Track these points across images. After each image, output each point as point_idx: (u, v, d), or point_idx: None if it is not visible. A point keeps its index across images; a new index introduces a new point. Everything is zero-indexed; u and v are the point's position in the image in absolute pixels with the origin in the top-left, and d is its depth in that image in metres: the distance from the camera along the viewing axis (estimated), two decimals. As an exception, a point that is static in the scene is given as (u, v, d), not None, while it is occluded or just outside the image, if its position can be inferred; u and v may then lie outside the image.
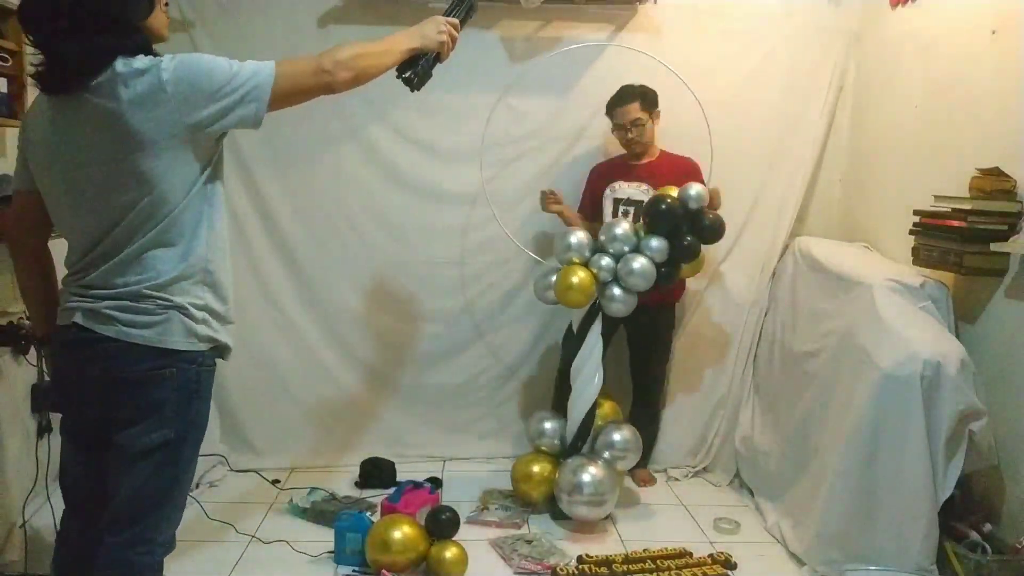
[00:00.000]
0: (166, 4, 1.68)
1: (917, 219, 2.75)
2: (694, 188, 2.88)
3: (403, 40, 1.79)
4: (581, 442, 2.99)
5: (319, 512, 2.92)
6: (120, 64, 1.50)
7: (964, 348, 2.50)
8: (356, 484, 3.27)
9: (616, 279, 2.89)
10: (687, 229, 2.89)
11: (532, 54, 3.38)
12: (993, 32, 2.61)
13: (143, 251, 1.58)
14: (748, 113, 3.46)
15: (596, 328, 2.98)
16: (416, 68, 1.85)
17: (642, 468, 3.38)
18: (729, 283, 3.51)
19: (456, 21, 1.92)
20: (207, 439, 3.16)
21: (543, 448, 3.08)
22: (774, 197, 3.50)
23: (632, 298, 2.90)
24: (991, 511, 2.51)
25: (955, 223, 2.53)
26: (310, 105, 3.55)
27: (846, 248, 3.25)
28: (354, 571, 2.56)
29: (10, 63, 2.34)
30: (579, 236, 2.93)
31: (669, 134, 3.34)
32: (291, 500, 3.03)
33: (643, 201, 3.11)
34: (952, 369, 2.41)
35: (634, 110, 3.15)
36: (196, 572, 2.57)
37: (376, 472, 3.28)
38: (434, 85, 3.18)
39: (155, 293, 1.59)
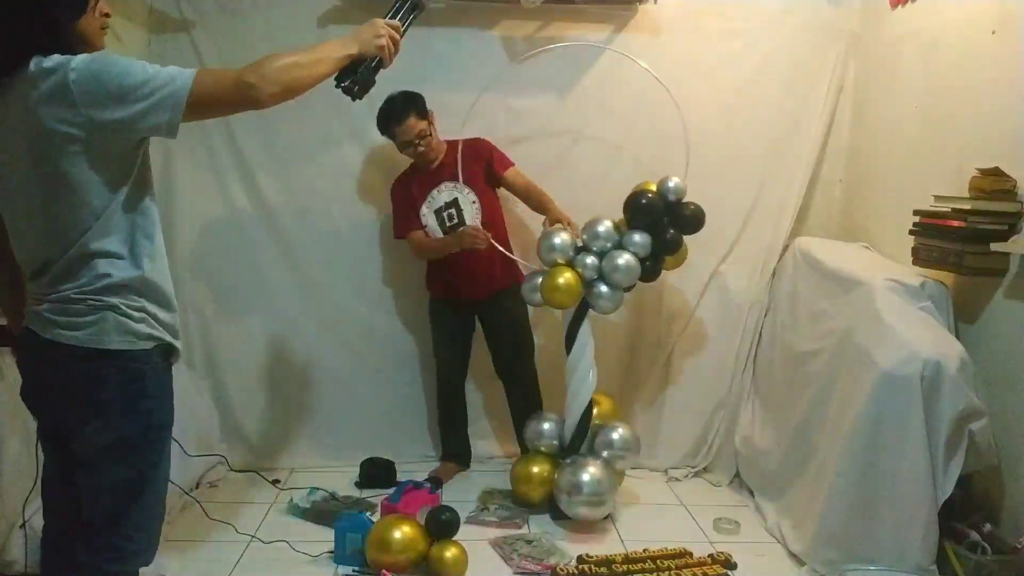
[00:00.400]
0: (106, 15, 1.62)
1: (917, 219, 2.75)
2: (672, 180, 2.90)
3: (338, 47, 1.68)
4: (579, 442, 2.99)
5: (319, 512, 2.92)
6: (33, 63, 1.46)
7: (964, 348, 2.50)
8: (356, 484, 3.27)
9: (602, 277, 2.90)
10: (668, 222, 2.91)
11: (537, 55, 3.38)
12: (993, 32, 2.61)
13: (77, 258, 1.54)
14: (748, 113, 3.46)
15: (586, 327, 2.98)
16: (356, 76, 1.73)
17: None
18: (729, 283, 3.51)
19: (398, 23, 1.79)
20: (208, 439, 3.23)
21: (542, 449, 3.08)
22: (774, 197, 3.50)
23: (619, 294, 2.91)
24: (991, 511, 2.51)
25: (955, 223, 2.53)
26: (310, 105, 3.56)
27: (846, 248, 3.25)
28: (354, 571, 2.56)
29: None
30: (562, 237, 2.94)
31: (669, 135, 3.35)
32: (291, 500, 3.03)
33: (456, 198, 3.12)
34: (952, 369, 2.41)
35: (414, 123, 3.03)
36: (196, 572, 2.57)
37: (376, 472, 3.28)
38: (434, 85, 3.23)
39: (88, 296, 1.55)
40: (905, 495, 2.41)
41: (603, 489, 2.87)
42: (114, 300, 1.56)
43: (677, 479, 3.43)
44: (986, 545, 2.37)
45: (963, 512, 2.51)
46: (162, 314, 1.65)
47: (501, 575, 2.60)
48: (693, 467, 3.49)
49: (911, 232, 2.76)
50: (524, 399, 3.35)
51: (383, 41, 1.73)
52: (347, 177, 3.45)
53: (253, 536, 2.79)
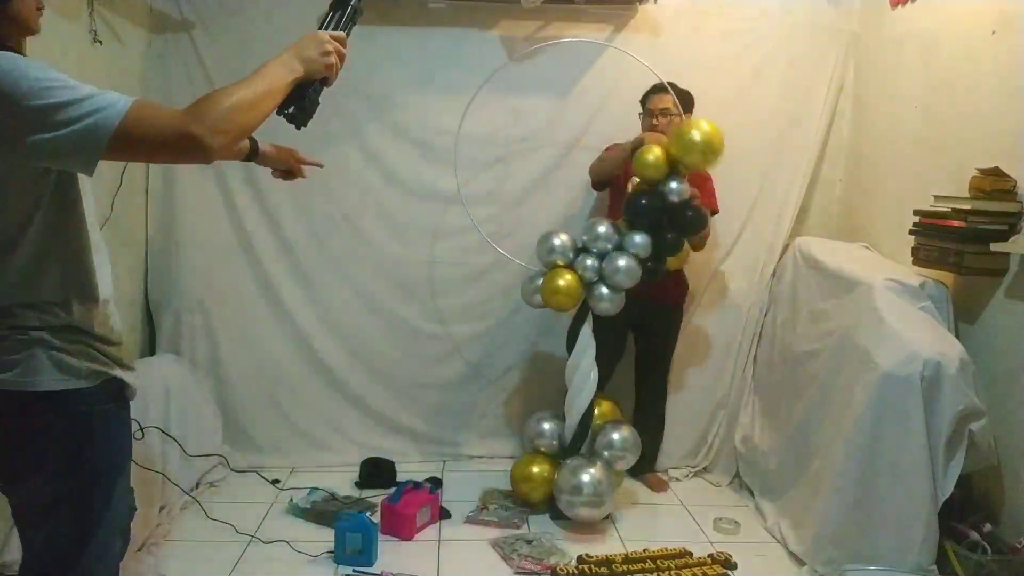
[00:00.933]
0: None
1: (917, 219, 2.75)
2: (674, 182, 2.88)
3: (283, 71, 1.40)
4: (580, 442, 3.00)
5: (319, 512, 2.92)
6: None
7: (964, 348, 2.50)
8: (356, 484, 3.27)
9: (602, 278, 2.90)
10: (668, 223, 2.90)
11: (532, 53, 3.38)
12: (993, 32, 2.61)
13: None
14: (748, 113, 3.46)
15: (587, 328, 2.98)
16: (303, 102, 1.49)
17: (652, 472, 3.38)
18: (729, 283, 3.51)
19: (342, 35, 1.53)
20: (208, 440, 3.23)
21: (542, 449, 3.08)
22: (774, 197, 3.50)
23: (620, 296, 2.91)
24: (991, 511, 2.51)
25: (955, 223, 2.53)
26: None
27: (846, 248, 3.25)
28: (354, 571, 2.56)
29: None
30: (562, 239, 2.93)
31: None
32: (291, 500, 3.03)
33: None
34: (952, 369, 2.41)
35: (668, 101, 3.09)
36: (196, 572, 2.57)
37: (376, 472, 3.28)
38: (434, 85, 3.23)
39: (13, 330, 1.33)
40: (905, 495, 2.41)
41: (603, 490, 2.87)
42: (41, 333, 1.34)
43: (677, 479, 3.43)
44: (986, 545, 2.38)
45: (963, 512, 2.51)
46: (107, 345, 1.43)
47: (501, 575, 2.61)
48: (693, 467, 3.49)
49: (911, 232, 2.76)
50: (651, 411, 3.40)
51: (332, 59, 1.47)
52: (348, 177, 3.45)
53: (253, 536, 2.79)
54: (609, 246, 2.90)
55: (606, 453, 2.97)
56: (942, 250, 2.59)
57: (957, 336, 2.61)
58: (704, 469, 3.48)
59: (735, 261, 3.51)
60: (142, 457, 2.64)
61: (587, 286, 2.91)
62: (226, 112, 1.28)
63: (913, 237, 2.76)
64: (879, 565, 2.43)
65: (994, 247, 2.43)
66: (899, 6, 3.17)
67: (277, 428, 3.50)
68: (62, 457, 1.38)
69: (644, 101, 3.21)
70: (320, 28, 1.53)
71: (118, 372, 1.44)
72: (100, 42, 2.84)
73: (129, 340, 3.27)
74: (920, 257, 2.71)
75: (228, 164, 3.38)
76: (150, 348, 3.40)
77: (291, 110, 1.49)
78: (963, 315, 2.68)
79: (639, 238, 2.88)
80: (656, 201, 2.87)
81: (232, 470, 3.32)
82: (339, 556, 2.62)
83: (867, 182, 3.40)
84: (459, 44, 3.39)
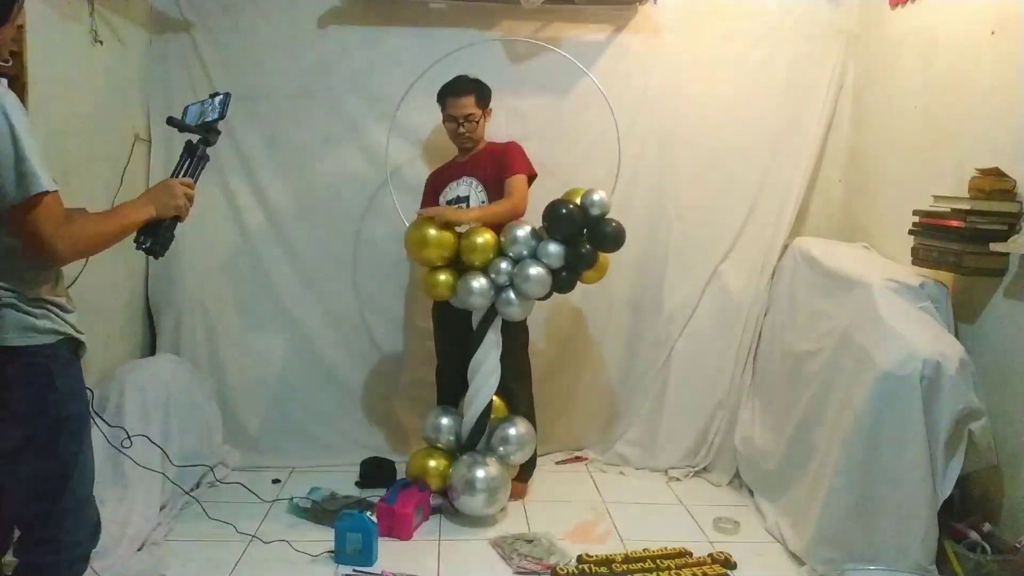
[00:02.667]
0: (20, 26, 1.67)
1: (917, 219, 2.75)
2: (597, 194, 2.87)
3: (139, 211, 1.75)
4: (477, 438, 3.01)
5: (319, 512, 2.92)
6: None
7: (964, 348, 2.50)
8: (356, 484, 3.27)
9: (512, 284, 2.90)
10: (587, 236, 2.89)
11: (532, 54, 3.38)
12: (993, 32, 2.61)
13: None
14: (748, 113, 3.46)
15: (496, 326, 2.99)
16: (157, 236, 1.81)
17: (517, 479, 3.16)
18: (729, 283, 3.51)
19: (190, 180, 1.88)
20: (209, 441, 3.24)
21: (439, 445, 3.09)
22: (774, 197, 3.50)
23: (529, 303, 2.94)
24: (991, 511, 2.51)
25: (955, 223, 2.53)
26: (310, 103, 3.53)
27: (846, 248, 3.25)
28: (354, 571, 2.56)
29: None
30: (525, 230, 2.92)
31: (666, 136, 3.35)
32: (291, 500, 3.03)
33: (469, 196, 3.11)
34: (952, 369, 2.41)
35: (468, 104, 3.06)
36: (196, 572, 2.57)
37: (376, 472, 3.28)
38: (435, 86, 3.23)
39: None
40: (905, 495, 2.41)
41: (496, 485, 2.89)
42: (11, 298, 1.58)
43: (677, 479, 3.43)
44: (986, 545, 2.37)
45: (963, 512, 2.51)
46: (64, 312, 1.66)
47: (501, 575, 2.61)
48: (693, 467, 3.48)
49: (911, 232, 2.76)
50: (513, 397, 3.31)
51: (180, 202, 1.81)
52: (349, 177, 3.45)
53: (253, 536, 2.79)
54: (525, 252, 2.90)
55: (501, 449, 2.99)
56: (942, 250, 2.59)
57: (957, 336, 2.61)
58: (704, 469, 3.48)
59: (735, 261, 3.51)
60: (142, 457, 2.65)
61: (497, 289, 2.92)
62: (87, 239, 1.63)
63: (913, 237, 2.76)
64: (879, 565, 2.43)
65: (994, 247, 2.43)
66: (899, 6, 3.17)
67: (277, 428, 3.50)
68: (26, 399, 1.60)
69: (441, 102, 3.12)
70: (173, 175, 1.90)
71: (72, 332, 1.67)
72: (100, 42, 2.85)
73: (129, 340, 3.28)
74: (920, 257, 2.71)
75: (229, 165, 3.39)
76: (150, 348, 3.41)
77: (148, 244, 1.81)
78: (963, 315, 2.68)
79: (553, 247, 2.86)
80: (577, 212, 2.86)
81: (232, 469, 3.33)
82: (339, 556, 2.62)
83: (867, 182, 3.40)
84: (459, 44, 3.39)
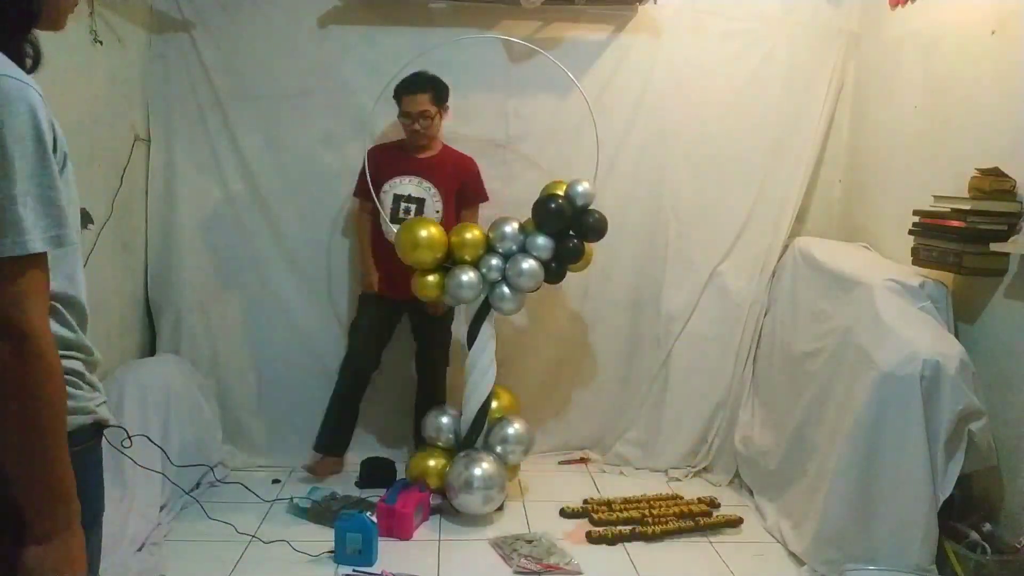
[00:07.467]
0: None
1: (917, 219, 2.75)
2: (581, 185, 2.92)
3: (56, 487, 1.07)
4: (475, 435, 3.02)
5: (319, 512, 2.92)
6: None
7: (964, 348, 2.50)
8: (356, 484, 3.27)
9: (505, 279, 2.92)
10: (574, 229, 2.94)
11: (532, 54, 3.38)
12: (993, 32, 2.61)
13: None
14: (748, 113, 3.46)
15: (490, 321, 3.00)
16: None
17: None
18: (729, 283, 3.51)
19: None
20: (210, 441, 3.23)
21: (439, 443, 3.10)
22: (774, 197, 3.50)
23: (521, 296, 2.96)
24: (991, 511, 2.51)
25: (955, 223, 2.53)
26: (310, 104, 3.52)
27: (846, 248, 3.26)
28: (354, 571, 2.56)
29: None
30: (512, 226, 2.94)
31: (666, 136, 3.34)
32: (291, 500, 3.03)
33: (424, 199, 3.12)
34: (952, 369, 2.41)
35: (424, 101, 3.05)
36: (196, 572, 2.57)
37: (376, 472, 3.28)
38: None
39: None
40: (905, 495, 2.41)
41: (494, 484, 2.89)
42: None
43: (677, 479, 3.43)
44: (986, 545, 2.37)
45: (963, 512, 2.51)
46: (88, 374, 1.20)
47: (501, 575, 2.61)
48: (693, 467, 3.48)
49: (911, 232, 2.76)
50: (431, 397, 3.35)
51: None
52: (350, 177, 3.45)
53: (253, 536, 2.79)
54: (514, 247, 2.92)
55: (499, 447, 3.00)
56: (942, 250, 2.59)
57: (957, 336, 2.61)
58: (704, 469, 3.48)
59: (735, 261, 3.51)
60: (142, 457, 2.65)
61: (489, 285, 2.94)
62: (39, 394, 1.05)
63: (913, 237, 2.76)
64: (879, 565, 2.43)
65: (994, 247, 2.43)
66: (899, 6, 3.17)
67: (277, 428, 3.50)
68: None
69: (397, 99, 3.10)
70: None
71: (100, 407, 1.22)
72: (100, 42, 2.85)
73: (129, 340, 3.28)
74: (920, 257, 2.71)
75: (229, 165, 3.39)
76: (150, 348, 3.40)
77: None
78: (963, 315, 2.68)
79: (542, 240, 2.89)
80: (566, 205, 2.89)
81: (232, 470, 3.33)
82: (339, 556, 2.62)
83: (867, 182, 3.40)
84: (459, 44, 3.39)
